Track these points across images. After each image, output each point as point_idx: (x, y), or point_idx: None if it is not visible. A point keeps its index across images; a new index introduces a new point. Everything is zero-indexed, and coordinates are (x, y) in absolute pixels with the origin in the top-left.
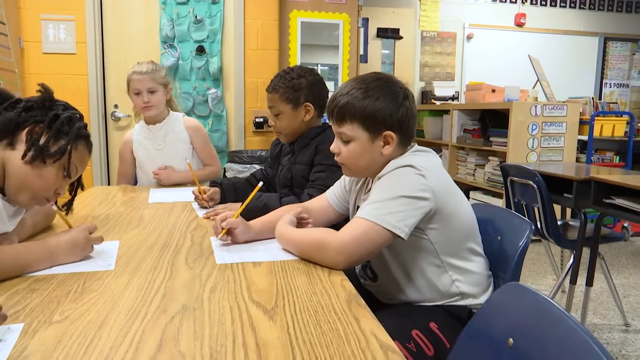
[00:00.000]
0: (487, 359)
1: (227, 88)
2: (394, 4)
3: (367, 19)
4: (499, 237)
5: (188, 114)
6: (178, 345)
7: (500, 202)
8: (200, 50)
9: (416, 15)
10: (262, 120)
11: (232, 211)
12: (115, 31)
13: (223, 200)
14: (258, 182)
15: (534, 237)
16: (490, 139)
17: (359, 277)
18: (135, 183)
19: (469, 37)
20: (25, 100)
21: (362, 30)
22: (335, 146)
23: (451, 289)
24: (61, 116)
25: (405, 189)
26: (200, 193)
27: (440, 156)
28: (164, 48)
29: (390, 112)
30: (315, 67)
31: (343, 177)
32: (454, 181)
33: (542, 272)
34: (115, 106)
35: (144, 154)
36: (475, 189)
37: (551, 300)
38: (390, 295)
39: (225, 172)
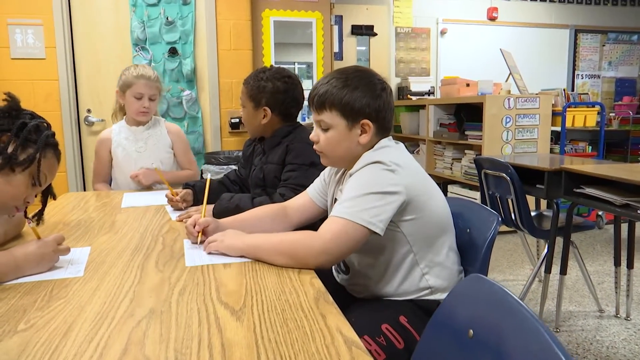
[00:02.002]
0: (450, 349)
1: (202, 89)
2: (367, 1)
3: (341, 16)
4: (468, 230)
5: (163, 116)
6: (143, 349)
7: (477, 195)
8: (173, 52)
9: (390, 11)
10: (237, 120)
11: (198, 213)
12: (85, 35)
13: (196, 202)
14: (232, 183)
15: (510, 229)
16: (466, 132)
17: (334, 272)
18: (110, 182)
19: (443, 32)
20: None
21: (336, 27)
22: (315, 134)
23: (420, 283)
24: (28, 124)
25: (375, 185)
26: (172, 195)
27: (418, 151)
28: (136, 50)
29: (368, 101)
30: (292, 66)
31: (322, 172)
32: (432, 175)
33: (519, 263)
34: (88, 111)
35: (123, 154)
36: (453, 182)
37: (507, 290)
38: (361, 288)
39: (202, 173)
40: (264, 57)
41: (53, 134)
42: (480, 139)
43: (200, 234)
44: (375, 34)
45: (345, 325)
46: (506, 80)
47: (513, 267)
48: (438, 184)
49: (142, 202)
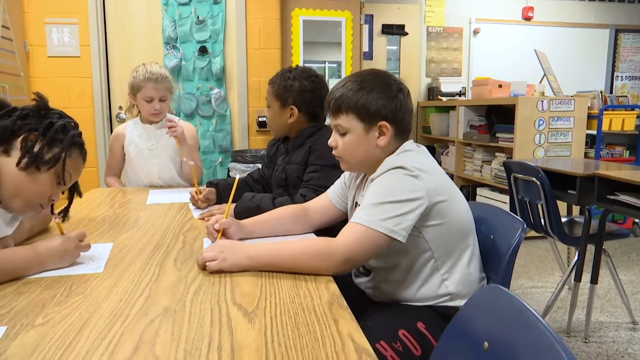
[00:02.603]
0: None
1: (230, 88)
2: (398, 0)
3: (372, 15)
4: (492, 236)
5: (192, 114)
6: (154, 348)
7: (507, 199)
8: (203, 51)
9: (421, 10)
10: (265, 119)
11: (222, 213)
12: (118, 33)
13: (219, 201)
14: (255, 182)
15: (540, 234)
16: (497, 135)
17: (352, 276)
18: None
19: (476, 32)
20: (21, 109)
21: (366, 27)
22: (333, 139)
23: (440, 289)
24: (55, 124)
25: (398, 192)
26: (196, 193)
27: (447, 153)
28: (167, 49)
29: (384, 102)
30: (322, 65)
31: (343, 174)
32: (461, 178)
33: (549, 270)
34: (120, 108)
35: (136, 151)
36: (482, 185)
37: (525, 303)
38: (380, 292)
39: (229, 171)
40: (292, 56)
41: (79, 134)
42: (512, 142)
43: (220, 234)
44: (406, 34)
45: (357, 332)
46: (540, 82)
47: (542, 273)
48: (467, 187)
49: (167, 199)
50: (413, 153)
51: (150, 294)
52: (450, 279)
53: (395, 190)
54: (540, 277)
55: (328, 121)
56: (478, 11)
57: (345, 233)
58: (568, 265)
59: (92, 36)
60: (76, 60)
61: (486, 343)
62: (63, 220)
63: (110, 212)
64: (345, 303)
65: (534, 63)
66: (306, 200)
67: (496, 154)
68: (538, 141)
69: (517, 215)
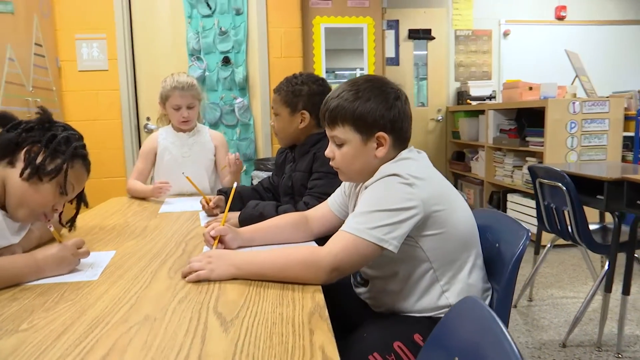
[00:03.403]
0: None
1: (253, 97)
2: (425, 4)
3: (397, 20)
4: (497, 244)
5: (216, 124)
6: (123, 356)
7: None
8: (226, 61)
9: (449, 14)
10: None
11: (218, 222)
12: (145, 47)
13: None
14: (266, 191)
15: (568, 243)
16: (527, 138)
17: (352, 285)
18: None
19: (506, 34)
20: (26, 122)
21: (391, 32)
22: (330, 150)
23: (440, 300)
24: (58, 136)
25: (390, 201)
26: (206, 202)
27: (477, 158)
28: (191, 60)
29: (382, 112)
30: (344, 72)
31: (343, 183)
32: (491, 183)
33: (582, 279)
34: (148, 119)
35: (169, 158)
36: (513, 191)
37: (495, 317)
38: (378, 302)
39: (252, 180)
40: (314, 64)
41: (83, 146)
42: (542, 146)
43: (216, 242)
44: (433, 38)
45: (331, 344)
46: (572, 83)
47: (574, 282)
48: (497, 193)
49: (179, 207)
50: (410, 161)
51: (137, 301)
52: (450, 290)
53: (388, 199)
54: (572, 286)
55: None
56: (508, 12)
57: (333, 241)
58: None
59: (119, 50)
60: (105, 73)
61: (457, 358)
62: (70, 230)
63: (122, 220)
64: (326, 314)
65: (566, 64)
66: (309, 208)
67: (527, 158)
68: (570, 145)
69: (544, 222)
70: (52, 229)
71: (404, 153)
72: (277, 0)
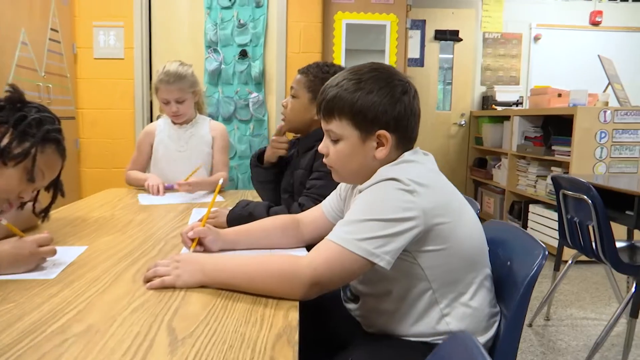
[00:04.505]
0: None
1: (269, 92)
2: (453, 4)
3: (424, 20)
4: (509, 262)
5: (230, 118)
6: None
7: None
8: (243, 54)
9: (478, 15)
10: None
11: (200, 221)
12: (162, 37)
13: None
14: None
15: (591, 260)
16: (553, 147)
17: (342, 300)
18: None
19: (537, 39)
20: None
21: (417, 32)
22: (324, 146)
23: (438, 325)
24: (29, 117)
25: (385, 209)
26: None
27: (499, 166)
28: (208, 52)
29: (385, 108)
30: None
31: (339, 186)
32: (513, 193)
33: (605, 299)
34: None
35: (164, 152)
36: (536, 202)
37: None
38: (371, 322)
39: None
40: (333, 61)
41: (57, 130)
42: (569, 155)
43: (194, 244)
44: (461, 40)
45: None
46: (604, 91)
47: (597, 303)
48: (519, 203)
49: (169, 200)
50: (414, 164)
51: (85, 307)
52: (452, 315)
53: (383, 206)
54: (594, 307)
55: None
56: (540, 16)
57: (316, 251)
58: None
59: (136, 39)
60: (120, 62)
61: None
62: (43, 220)
63: (109, 213)
64: (296, 338)
65: (599, 71)
66: (303, 210)
67: (552, 168)
68: (599, 156)
69: (566, 236)
70: (4, 222)
71: (407, 155)
72: None
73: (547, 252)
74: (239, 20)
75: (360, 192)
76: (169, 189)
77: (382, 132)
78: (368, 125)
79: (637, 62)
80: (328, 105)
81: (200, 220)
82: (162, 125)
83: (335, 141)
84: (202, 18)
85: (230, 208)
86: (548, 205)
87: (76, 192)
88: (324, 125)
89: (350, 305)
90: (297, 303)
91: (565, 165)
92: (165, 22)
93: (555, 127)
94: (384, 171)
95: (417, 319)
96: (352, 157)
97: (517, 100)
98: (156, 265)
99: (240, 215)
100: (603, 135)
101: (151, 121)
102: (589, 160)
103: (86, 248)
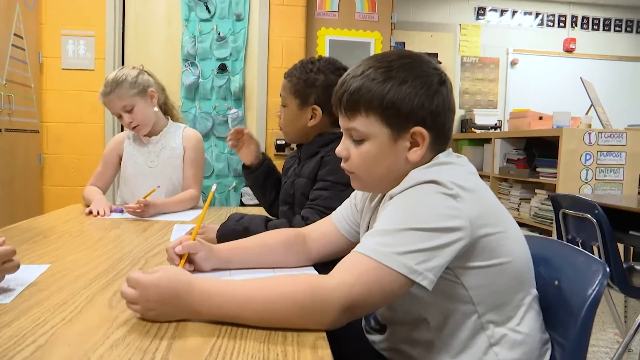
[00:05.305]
0: None
1: (249, 108)
2: (432, 28)
3: (404, 42)
4: (557, 282)
5: (207, 135)
6: None
7: None
8: (222, 69)
9: (456, 39)
10: (283, 142)
11: (189, 235)
12: (136, 48)
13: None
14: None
15: None
16: (537, 169)
17: (363, 329)
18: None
19: (513, 63)
20: None
21: None
22: (343, 148)
23: (486, 357)
24: None
25: (426, 217)
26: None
27: None
28: (185, 66)
29: (422, 101)
30: None
31: (354, 193)
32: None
33: (599, 324)
34: None
35: (133, 168)
36: (520, 225)
37: None
38: (400, 356)
39: (241, 196)
40: None
41: None
42: (555, 177)
43: (182, 261)
44: (439, 63)
45: None
46: (586, 113)
47: (593, 328)
48: None
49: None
50: (452, 166)
51: (48, 341)
52: (501, 344)
53: (424, 214)
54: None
55: None
56: (516, 42)
57: (343, 268)
58: (625, 320)
59: (108, 49)
60: (90, 73)
61: None
62: None
63: (76, 228)
64: None
65: (575, 96)
66: (307, 224)
67: (536, 190)
68: (585, 177)
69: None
70: None
71: (441, 156)
72: (281, 8)
73: (607, 270)
74: (219, 34)
75: (390, 198)
76: (117, 212)
77: (418, 129)
78: (401, 121)
79: (610, 89)
80: (351, 98)
81: (189, 234)
82: (131, 138)
83: (359, 141)
84: (180, 30)
85: (221, 223)
86: (532, 228)
87: (37, 211)
88: (344, 124)
89: (375, 337)
90: (324, 334)
91: (549, 187)
92: (139, 32)
93: (538, 149)
94: (419, 173)
95: (460, 351)
96: (379, 159)
97: (495, 124)
98: (123, 285)
99: (233, 230)
100: (588, 157)
101: None
102: (575, 182)
103: (48, 267)
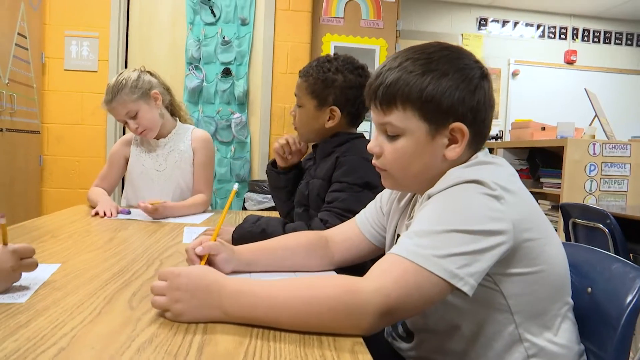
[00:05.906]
0: None
1: (253, 113)
2: (435, 37)
3: None
4: (589, 289)
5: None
6: None
7: None
8: (226, 73)
9: None
10: None
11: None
12: (140, 50)
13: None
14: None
15: None
16: (541, 179)
17: (386, 336)
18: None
19: (515, 74)
20: None
21: None
22: (376, 144)
23: None
24: None
25: (469, 219)
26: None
27: None
28: (189, 69)
29: (463, 95)
30: None
31: (380, 195)
32: None
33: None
34: None
35: (141, 171)
36: None
37: None
38: None
39: (244, 202)
40: None
41: None
42: (559, 187)
43: (203, 262)
44: None
45: None
46: (590, 124)
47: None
48: None
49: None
50: (493, 166)
51: (69, 343)
52: (539, 355)
53: (467, 215)
54: None
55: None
56: (517, 53)
57: (380, 270)
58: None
59: (111, 51)
60: (93, 75)
61: None
62: None
63: (83, 229)
64: None
65: (577, 107)
66: (327, 228)
67: (540, 201)
68: (589, 188)
69: None
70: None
71: (481, 155)
72: (286, 13)
73: None
74: (223, 37)
75: (429, 197)
76: (124, 213)
77: (458, 125)
78: (441, 116)
79: (610, 101)
80: (388, 91)
81: (206, 234)
82: (138, 139)
83: (394, 137)
84: (184, 33)
85: (236, 225)
86: None
87: (36, 213)
88: (378, 118)
89: (402, 345)
90: (362, 339)
91: (552, 198)
92: (143, 35)
93: (541, 159)
94: (459, 172)
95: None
96: (415, 156)
97: (497, 135)
98: (152, 289)
99: (250, 233)
100: (592, 168)
101: None
102: (579, 193)
103: (59, 266)
